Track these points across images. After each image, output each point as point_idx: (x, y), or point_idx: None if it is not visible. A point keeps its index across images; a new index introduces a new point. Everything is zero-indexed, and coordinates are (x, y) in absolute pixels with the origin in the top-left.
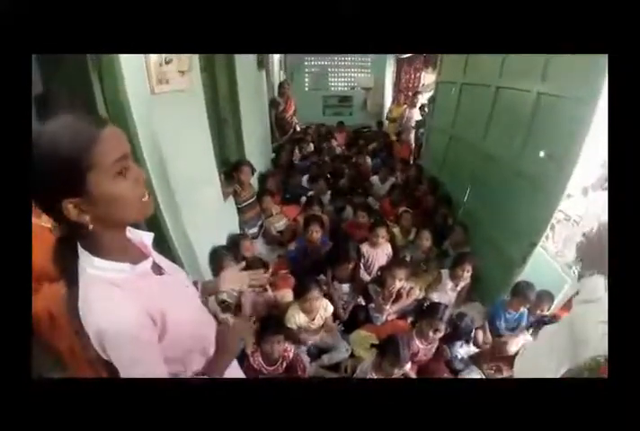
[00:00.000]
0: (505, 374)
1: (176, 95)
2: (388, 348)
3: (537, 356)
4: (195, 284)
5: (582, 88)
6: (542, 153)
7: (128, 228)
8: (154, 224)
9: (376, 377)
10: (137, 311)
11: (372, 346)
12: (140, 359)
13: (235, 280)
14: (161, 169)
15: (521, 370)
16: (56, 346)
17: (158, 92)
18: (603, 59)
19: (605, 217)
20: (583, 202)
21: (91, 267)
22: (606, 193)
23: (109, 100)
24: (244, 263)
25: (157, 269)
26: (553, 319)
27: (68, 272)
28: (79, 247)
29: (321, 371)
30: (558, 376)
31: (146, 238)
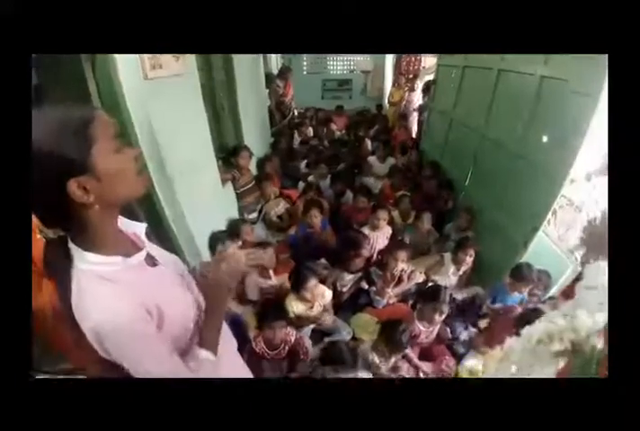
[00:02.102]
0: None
1: (171, 80)
2: (389, 332)
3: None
4: (193, 270)
5: (586, 72)
6: (545, 138)
7: (121, 219)
8: (151, 210)
9: (377, 358)
10: (132, 304)
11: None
12: (144, 352)
13: (232, 259)
14: (157, 155)
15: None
16: (59, 341)
17: (152, 78)
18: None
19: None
20: (587, 187)
21: (82, 262)
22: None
23: (101, 86)
24: (240, 242)
25: (151, 261)
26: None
27: (60, 272)
28: (70, 243)
29: (322, 354)
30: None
31: (139, 229)
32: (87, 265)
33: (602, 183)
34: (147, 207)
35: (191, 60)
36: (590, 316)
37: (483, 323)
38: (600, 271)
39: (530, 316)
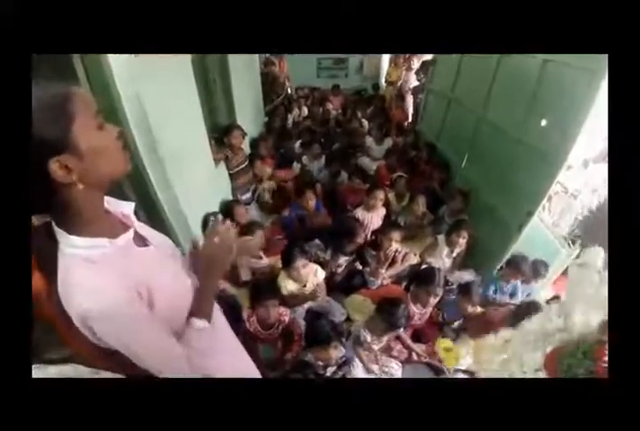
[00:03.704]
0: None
1: (161, 57)
2: (387, 309)
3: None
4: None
5: (589, 56)
6: (544, 122)
7: (109, 199)
8: (143, 192)
9: (369, 336)
10: (120, 287)
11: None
12: (136, 334)
13: (225, 235)
14: (148, 135)
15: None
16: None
17: (141, 55)
18: None
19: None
20: (583, 174)
21: (68, 246)
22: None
23: (89, 65)
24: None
25: (140, 241)
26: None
27: (47, 258)
28: (54, 227)
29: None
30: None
31: (126, 208)
32: (73, 249)
33: (599, 170)
34: (139, 189)
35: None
36: (584, 314)
37: (476, 310)
38: (598, 255)
39: (526, 310)
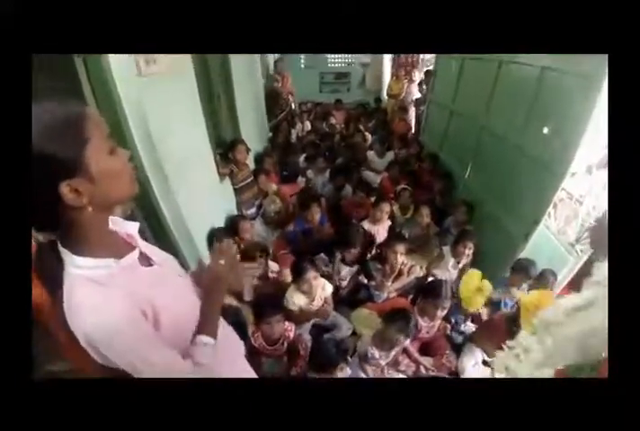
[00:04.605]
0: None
1: (166, 76)
2: (396, 320)
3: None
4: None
5: (587, 63)
6: (546, 130)
7: (113, 219)
8: (148, 209)
9: (377, 352)
10: (125, 307)
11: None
12: (141, 354)
13: (229, 254)
14: (152, 151)
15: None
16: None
17: (146, 74)
18: None
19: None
20: (587, 181)
21: (73, 266)
22: None
23: (95, 84)
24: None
25: (145, 261)
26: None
27: (52, 276)
28: (60, 247)
29: (322, 350)
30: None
31: (131, 228)
32: (78, 269)
33: (603, 176)
34: (144, 206)
35: (185, 55)
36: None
37: (483, 315)
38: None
39: None
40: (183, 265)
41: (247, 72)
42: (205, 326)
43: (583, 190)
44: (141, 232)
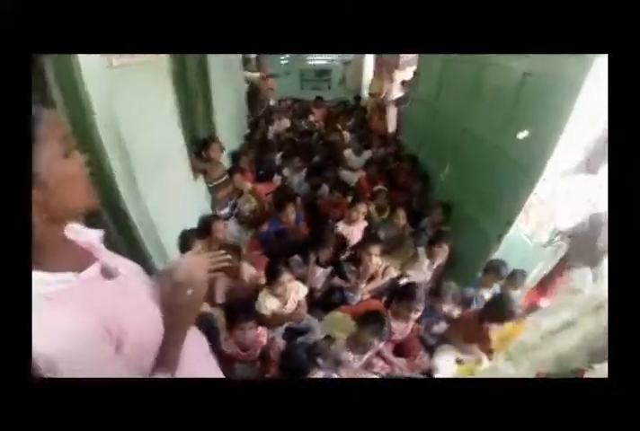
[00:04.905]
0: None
1: (138, 67)
2: (371, 321)
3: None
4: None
5: (568, 66)
6: (525, 133)
7: (73, 226)
8: (114, 210)
9: (350, 355)
10: (86, 326)
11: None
12: (101, 374)
13: (192, 265)
14: (121, 149)
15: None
16: None
17: (117, 65)
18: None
19: (594, 211)
20: (561, 185)
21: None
22: (585, 177)
23: (60, 74)
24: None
25: (108, 272)
26: None
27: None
28: None
29: (293, 355)
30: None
31: (93, 237)
32: (34, 285)
33: (576, 182)
34: (109, 207)
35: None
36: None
37: (454, 314)
38: (586, 277)
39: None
40: (151, 272)
41: (226, 67)
42: (165, 359)
43: (555, 195)
44: (107, 237)
